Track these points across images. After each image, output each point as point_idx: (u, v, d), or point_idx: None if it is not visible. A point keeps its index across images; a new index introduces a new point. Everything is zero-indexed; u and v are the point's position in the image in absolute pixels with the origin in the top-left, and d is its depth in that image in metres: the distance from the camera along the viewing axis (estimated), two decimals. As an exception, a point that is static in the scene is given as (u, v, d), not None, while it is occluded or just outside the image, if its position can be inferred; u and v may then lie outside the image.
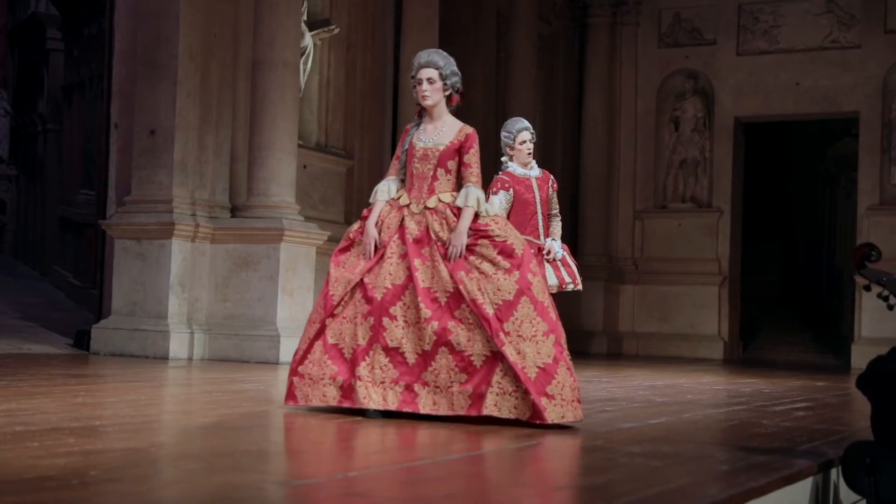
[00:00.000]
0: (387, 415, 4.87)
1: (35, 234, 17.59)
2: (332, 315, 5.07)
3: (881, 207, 14.79)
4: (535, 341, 4.78)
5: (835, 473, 4.16)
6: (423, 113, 5.27)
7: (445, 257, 4.95)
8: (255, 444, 4.16)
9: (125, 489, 3.00)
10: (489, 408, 4.75)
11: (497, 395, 4.76)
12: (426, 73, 5.16)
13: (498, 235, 4.96)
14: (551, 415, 4.71)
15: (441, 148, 5.13)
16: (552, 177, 7.29)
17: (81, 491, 2.88)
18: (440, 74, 5.15)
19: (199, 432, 4.38)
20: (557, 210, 7.25)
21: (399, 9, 12.15)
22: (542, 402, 4.70)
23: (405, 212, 5.12)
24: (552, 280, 7.02)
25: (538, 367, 4.75)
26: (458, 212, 5.04)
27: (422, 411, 4.85)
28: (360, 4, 11.94)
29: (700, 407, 6.57)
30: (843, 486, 4.12)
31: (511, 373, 4.75)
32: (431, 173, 5.13)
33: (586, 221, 15.90)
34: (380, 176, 12.33)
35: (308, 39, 10.83)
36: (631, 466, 3.77)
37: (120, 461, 3.49)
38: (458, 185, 5.13)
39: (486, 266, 4.90)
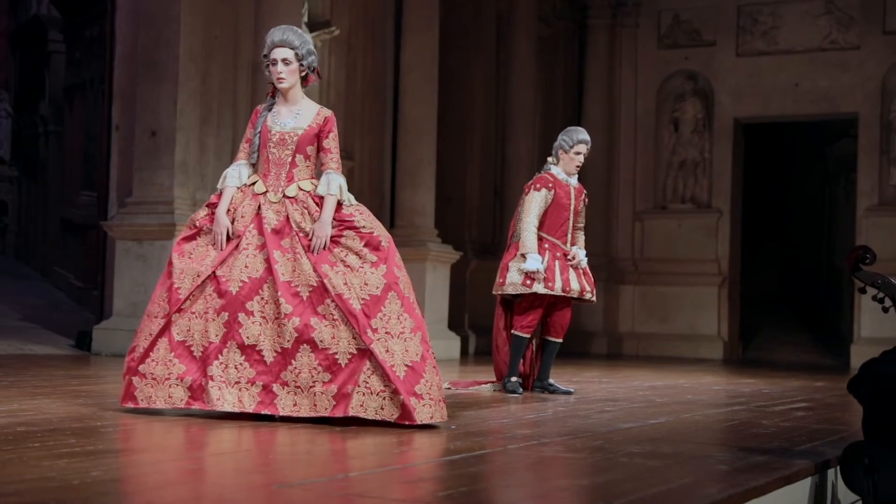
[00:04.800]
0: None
1: (36, 235, 17.59)
2: (180, 310, 4.70)
3: (880, 208, 14.80)
4: (404, 338, 4.54)
5: (833, 474, 4.17)
6: (275, 93, 4.94)
7: (308, 249, 4.65)
8: (255, 445, 4.17)
9: (126, 490, 3.02)
10: (355, 408, 4.49)
11: (364, 394, 4.50)
12: (281, 52, 4.84)
13: (364, 227, 4.70)
14: (421, 415, 4.49)
15: (300, 133, 4.85)
16: (585, 191, 7.32)
17: (83, 491, 2.89)
18: (296, 55, 4.85)
19: (200, 433, 4.39)
20: (584, 224, 7.28)
21: (399, 10, 12.16)
22: (412, 402, 4.47)
23: (262, 200, 4.79)
24: (575, 285, 7.02)
25: (406, 365, 4.51)
26: (319, 201, 4.75)
27: (281, 413, 4.58)
28: (360, 6, 11.96)
29: (700, 407, 6.58)
30: (841, 487, 4.13)
31: (379, 371, 4.49)
32: (290, 159, 4.83)
33: (586, 222, 15.88)
34: (380, 176, 12.53)
35: (308, 41, 10.84)
36: (630, 466, 3.78)
37: (121, 462, 3.50)
38: (318, 171, 4.85)
39: (351, 259, 4.63)
